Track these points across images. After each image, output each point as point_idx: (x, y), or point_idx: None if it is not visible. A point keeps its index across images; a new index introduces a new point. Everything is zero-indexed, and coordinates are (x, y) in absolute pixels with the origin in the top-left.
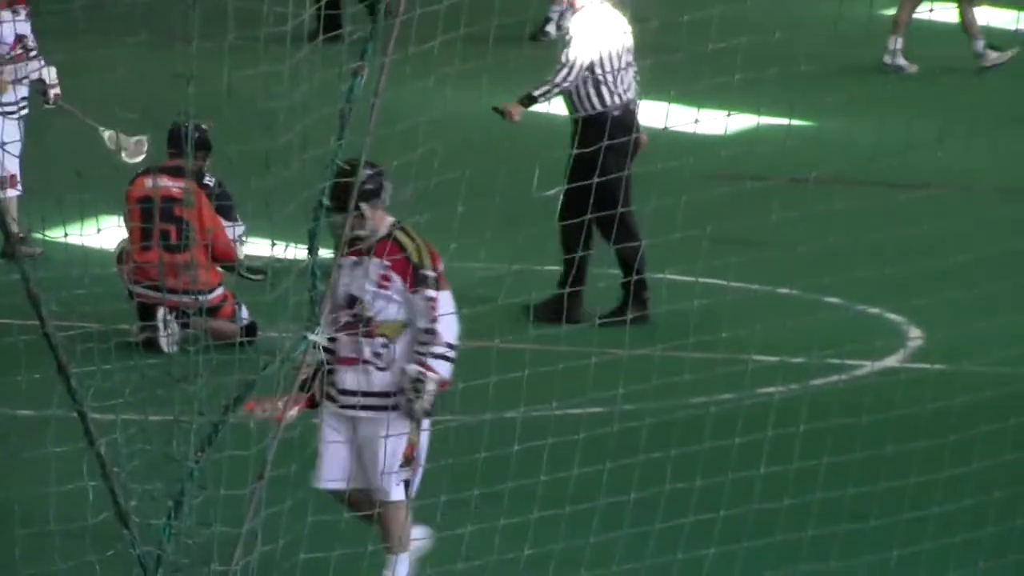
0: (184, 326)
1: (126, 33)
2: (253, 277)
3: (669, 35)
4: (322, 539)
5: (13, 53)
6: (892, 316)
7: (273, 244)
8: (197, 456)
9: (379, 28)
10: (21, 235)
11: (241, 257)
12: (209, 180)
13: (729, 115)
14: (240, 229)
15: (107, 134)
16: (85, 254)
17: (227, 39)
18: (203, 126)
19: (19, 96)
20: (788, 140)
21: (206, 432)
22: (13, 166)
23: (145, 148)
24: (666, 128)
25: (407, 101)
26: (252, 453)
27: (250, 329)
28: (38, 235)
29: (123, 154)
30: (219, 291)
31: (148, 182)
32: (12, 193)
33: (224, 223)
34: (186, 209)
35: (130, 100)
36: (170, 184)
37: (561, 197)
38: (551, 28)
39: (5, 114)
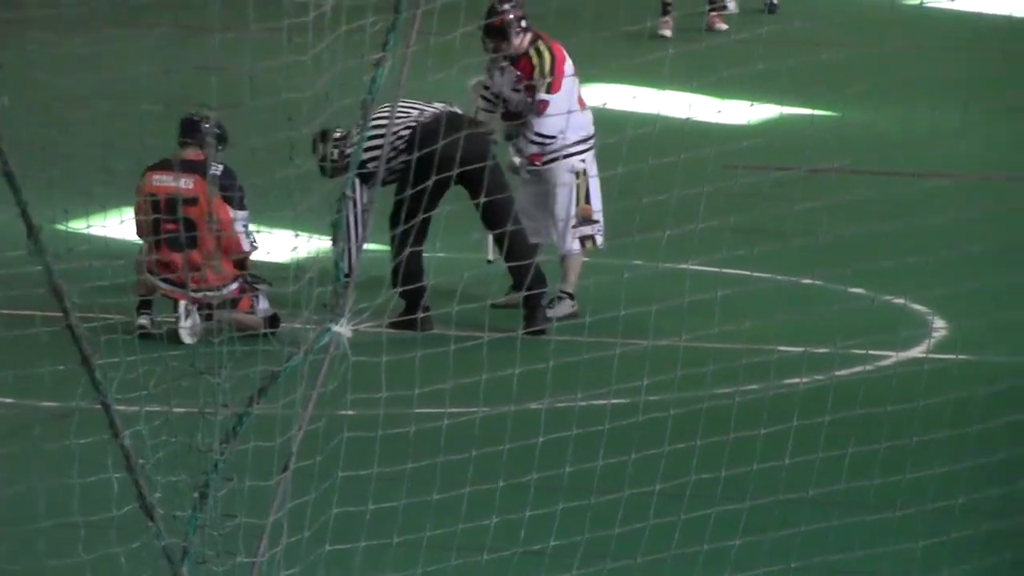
0: (207, 318)
1: (149, 25)
2: (257, 286)
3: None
4: (347, 531)
5: None
6: (916, 306)
7: (296, 235)
8: (222, 447)
9: (400, 19)
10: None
11: (247, 248)
12: (215, 169)
13: (752, 105)
14: (242, 215)
15: None
16: (107, 245)
17: (249, 29)
18: (209, 117)
19: None
20: (810, 130)
21: (231, 423)
22: None
23: None
24: (688, 118)
25: (428, 92)
26: (277, 444)
27: (272, 320)
28: (61, 227)
29: None
30: (234, 285)
31: (155, 178)
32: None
33: (230, 212)
34: (192, 208)
35: (153, 93)
36: (177, 182)
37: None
38: None
39: None
